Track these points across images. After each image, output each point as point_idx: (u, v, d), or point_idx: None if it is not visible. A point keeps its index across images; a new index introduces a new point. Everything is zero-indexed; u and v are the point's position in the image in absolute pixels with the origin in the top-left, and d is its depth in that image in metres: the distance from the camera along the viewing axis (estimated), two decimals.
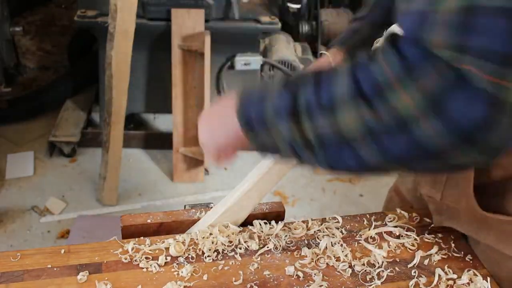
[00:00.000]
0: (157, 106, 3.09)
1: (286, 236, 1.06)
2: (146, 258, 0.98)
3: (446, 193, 1.01)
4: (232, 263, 0.99)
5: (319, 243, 1.04)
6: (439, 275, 0.98)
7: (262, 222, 1.09)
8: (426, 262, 1.02)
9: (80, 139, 3.05)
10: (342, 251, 1.02)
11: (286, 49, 2.99)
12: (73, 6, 3.52)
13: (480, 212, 0.94)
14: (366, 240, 1.06)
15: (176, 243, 1.01)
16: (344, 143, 0.68)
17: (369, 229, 1.08)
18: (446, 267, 1.00)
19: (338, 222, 1.11)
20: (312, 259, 1.01)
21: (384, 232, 1.08)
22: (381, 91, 0.64)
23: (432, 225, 1.11)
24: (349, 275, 0.98)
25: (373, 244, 1.05)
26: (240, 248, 1.02)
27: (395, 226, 1.10)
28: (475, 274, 0.99)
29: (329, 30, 3.17)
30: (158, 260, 0.97)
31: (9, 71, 3.22)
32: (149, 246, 1.01)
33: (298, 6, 2.97)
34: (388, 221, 1.11)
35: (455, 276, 0.98)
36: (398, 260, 1.02)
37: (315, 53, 3.09)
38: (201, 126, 0.93)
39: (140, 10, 2.61)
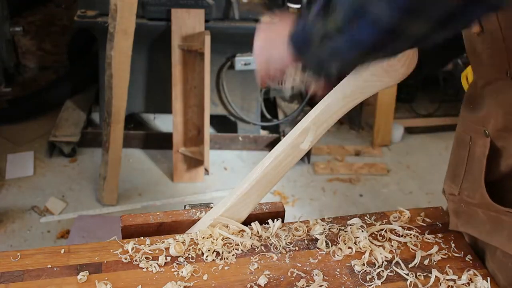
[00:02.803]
0: (157, 106, 3.09)
1: (286, 236, 1.06)
2: (146, 258, 0.98)
3: (464, 186, 1.03)
4: (232, 263, 0.99)
5: (318, 240, 1.04)
6: (439, 275, 0.98)
7: (261, 222, 1.09)
8: (426, 262, 1.02)
9: (80, 139, 3.05)
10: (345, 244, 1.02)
11: None
12: (73, 6, 3.51)
13: (493, 205, 0.95)
14: (369, 236, 1.06)
15: (176, 243, 1.00)
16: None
17: (369, 229, 1.08)
18: (446, 267, 1.00)
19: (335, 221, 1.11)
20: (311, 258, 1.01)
21: (386, 231, 1.08)
22: None
23: (432, 225, 1.11)
24: (349, 275, 0.98)
25: (375, 243, 1.05)
26: (240, 248, 1.02)
27: (400, 226, 1.10)
28: (475, 274, 0.99)
29: None
30: (158, 260, 0.97)
31: (9, 71, 3.21)
32: (149, 246, 1.01)
33: (298, 6, 2.97)
34: (393, 221, 1.11)
35: (455, 276, 0.98)
36: (398, 260, 1.02)
37: None
38: (257, 39, 0.97)
39: (140, 10, 2.61)
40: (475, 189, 0.99)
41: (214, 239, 1.03)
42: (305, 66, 0.88)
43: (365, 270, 0.99)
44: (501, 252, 1.01)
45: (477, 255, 1.08)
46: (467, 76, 1.11)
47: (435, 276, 0.98)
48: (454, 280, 0.98)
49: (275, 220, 1.09)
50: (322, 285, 0.95)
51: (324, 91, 0.99)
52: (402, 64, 0.94)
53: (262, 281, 0.95)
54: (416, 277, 0.98)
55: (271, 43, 0.93)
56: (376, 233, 1.08)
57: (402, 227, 1.10)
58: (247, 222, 1.08)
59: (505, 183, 0.95)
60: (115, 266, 0.96)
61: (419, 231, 1.09)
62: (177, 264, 0.98)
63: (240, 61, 2.90)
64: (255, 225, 1.07)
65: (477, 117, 1.00)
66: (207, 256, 0.99)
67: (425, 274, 0.99)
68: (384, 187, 2.98)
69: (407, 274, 0.98)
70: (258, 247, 1.03)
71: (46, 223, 2.60)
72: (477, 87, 0.99)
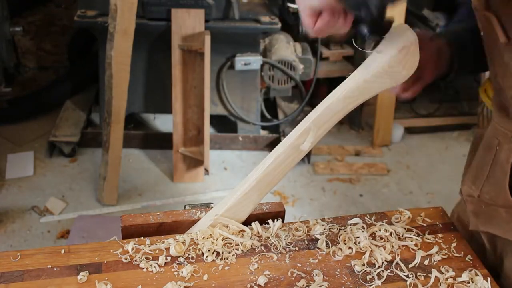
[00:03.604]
0: (157, 106, 3.09)
1: (286, 236, 1.06)
2: (146, 258, 0.98)
3: (485, 189, 1.03)
4: (232, 263, 0.99)
5: (318, 240, 1.04)
6: (439, 276, 0.98)
7: (261, 222, 1.09)
8: (426, 262, 1.02)
9: (80, 139, 3.05)
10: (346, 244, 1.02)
11: (286, 49, 2.99)
12: (73, 6, 3.51)
13: None
14: (369, 236, 1.06)
15: (176, 243, 1.00)
16: None
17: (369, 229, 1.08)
18: (446, 267, 1.00)
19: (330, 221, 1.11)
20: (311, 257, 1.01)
21: (386, 231, 1.08)
22: None
23: (432, 225, 1.11)
24: (349, 275, 0.98)
25: (375, 244, 1.05)
26: (240, 248, 1.02)
27: (400, 226, 1.10)
28: (476, 274, 0.99)
29: None
30: (158, 260, 0.97)
31: (9, 71, 3.21)
32: (149, 246, 1.01)
33: None
34: (395, 222, 1.11)
35: (457, 279, 0.98)
36: (398, 260, 1.02)
37: (315, 53, 3.09)
38: None
39: (140, 10, 2.61)
40: (497, 193, 1.00)
41: (214, 239, 1.03)
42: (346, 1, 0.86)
43: (365, 270, 0.99)
44: None
45: (496, 254, 1.09)
46: (486, 89, 1.12)
47: (435, 276, 0.98)
48: (454, 280, 0.98)
49: (275, 220, 1.09)
50: (322, 285, 0.95)
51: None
52: (403, 66, 0.94)
53: (262, 281, 0.95)
54: (416, 277, 0.98)
55: None
56: (376, 233, 1.08)
57: (402, 227, 1.10)
58: (247, 222, 1.08)
59: None
60: (115, 266, 0.96)
61: (419, 231, 1.09)
62: (177, 264, 0.98)
63: (240, 61, 2.90)
64: (255, 225, 1.07)
65: (507, 122, 1.00)
66: (207, 256, 0.99)
67: (425, 274, 0.99)
68: (384, 187, 2.98)
69: (407, 275, 0.98)
70: (258, 247, 1.03)
71: (46, 223, 2.60)
72: (507, 97, 0.99)
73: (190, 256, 1.00)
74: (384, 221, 1.12)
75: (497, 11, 0.91)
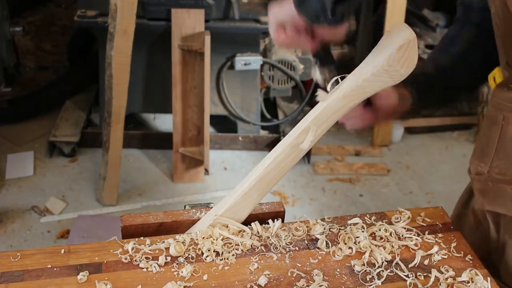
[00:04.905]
0: (157, 106, 3.09)
1: (286, 236, 1.06)
2: (146, 258, 0.98)
3: (494, 164, 1.04)
4: (232, 263, 0.99)
5: (318, 240, 1.04)
6: (439, 276, 0.98)
7: (261, 222, 1.09)
8: (426, 262, 1.02)
9: (80, 139, 3.05)
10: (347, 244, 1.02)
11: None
12: (73, 6, 3.52)
13: None
14: (369, 236, 1.06)
15: (176, 243, 1.00)
16: None
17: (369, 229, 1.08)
18: (446, 267, 1.00)
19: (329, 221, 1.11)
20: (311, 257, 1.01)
21: (386, 231, 1.08)
22: None
23: (432, 225, 1.11)
24: (349, 275, 0.98)
25: (375, 244, 1.05)
26: (240, 248, 1.02)
27: (400, 226, 1.10)
28: (476, 274, 0.99)
29: None
30: (158, 260, 0.97)
31: (9, 71, 3.22)
32: (149, 246, 1.01)
33: None
34: (395, 221, 1.11)
35: (457, 279, 0.98)
36: (398, 260, 1.02)
37: None
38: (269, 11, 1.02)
39: (140, 10, 2.61)
40: (508, 166, 1.01)
41: (214, 239, 1.02)
42: (306, 12, 0.93)
43: (365, 270, 0.99)
44: None
45: (499, 234, 1.10)
46: (495, 77, 1.12)
47: (435, 276, 0.98)
48: (454, 280, 0.98)
49: (275, 220, 1.09)
50: (322, 285, 0.95)
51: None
52: (402, 64, 0.94)
53: (262, 281, 0.95)
54: (416, 277, 0.98)
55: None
56: (376, 233, 1.08)
57: (402, 227, 1.10)
58: (247, 222, 1.08)
59: None
60: (115, 266, 0.96)
61: (419, 231, 1.09)
62: (177, 264, 0.98)
63: (240, 61, 2.90)
64: (255, 225, 1.07)
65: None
66: (207, 256, 0.99)
67: (425, 274, 0.99)
68: (384, 187, 2.98)
69: (407, 275, 0.98)
70: (258, 247, 1.03)
71: (46, 223, 2.60)
72: None
73: (190, 256, 1.00)
74: (384, 221, 1.11)
75: None
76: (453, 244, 1.06)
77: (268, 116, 3.19)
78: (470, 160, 1.13)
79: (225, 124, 3.25)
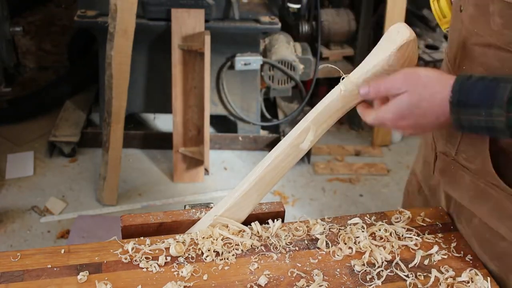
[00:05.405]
0: (157, 106, 3.09)
1: (286, 236, 1.06)
2: (146, 258, 0.98)
3: (461, 149, 1.02)
4: (232, 263, 0.99)
5: (317, 240, 1.04)
6: (439, 276, 0.98)
7: (261, 222, 1.09)
8: (426, 262, 1.02)
9: (80, 139, 3.05)
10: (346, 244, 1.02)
11: (286, 49, 3.00)
12: (73, 6, 3.51)
13: (491, 175, 0.95)
14: (369, 236, 1.06)
15: (176, 243, 1.00)
16: None
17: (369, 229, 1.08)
18: (446, 267, 1.00)
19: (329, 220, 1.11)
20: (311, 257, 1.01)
21: (386, 231, 1.08)
22: None
23: (432, 225, 1.11)
24: (349, 275, 0.98)
25: (375, 244, 1.05)
26: (240, 248, 1.02)
27: (400, 226, 1.10)
28: (476, 274, 0.99)
29: (329, 30, 3.17)
30: (158, 260, 0.97)
31: (9, 71, 3.22)
32: (149, 246, 1.01)
33: (298, 6, 2.97)
34: (395, 221, 1.11)
35: (457, 279, 0.98)
36: (398, 260, 1.02)
37: (315, 53, 3.09)
38: (399, 123, 0.93)
39: (140, 10, 2.61)
40: (476, 154, 0.98)
41: (214, 239, 1.03)
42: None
43: (365, 270, 0.99)
44: (479, 221, 1.02)
45: (448, 215, 1.12)
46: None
47: (435, 276, 0.98)
48: (454, 279, 0.98)
49: (275, 220, 1.09)
50: (322, 285, 0.95)
51: None
52: (402, 64, 0.94)
53: (262, 281, 0.95)
54: (416, 277, 0.98)
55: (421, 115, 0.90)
56: (376, 233, 1.08)
57: (402, 227, 1.10)
58: (247, 222, 1.08)
59: (508, 161, 0.95)
60: (115, 266, 0.96)
61: (419, 231, 1.09)
62: (177, 264, 0.98)
63: (240, 61, 2.90)
64: (255, 225, 1.07)
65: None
66: (207, 256, 0.99)
67: (425, 274, 0.99)
68: (384, 187, 2.98)
69: (407, 275, 0.98)
70: (258, 247, 1.03)
71: (46, 223, 2.60)
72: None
73: (190, 256, 1.00)
74: (384, 221, 1.12)
75: None
76: (453, 244, 1.07)
77: (268, 116, 3.19)
78: (437, 138, 1.10)
79: (225, 124, 3.25)
